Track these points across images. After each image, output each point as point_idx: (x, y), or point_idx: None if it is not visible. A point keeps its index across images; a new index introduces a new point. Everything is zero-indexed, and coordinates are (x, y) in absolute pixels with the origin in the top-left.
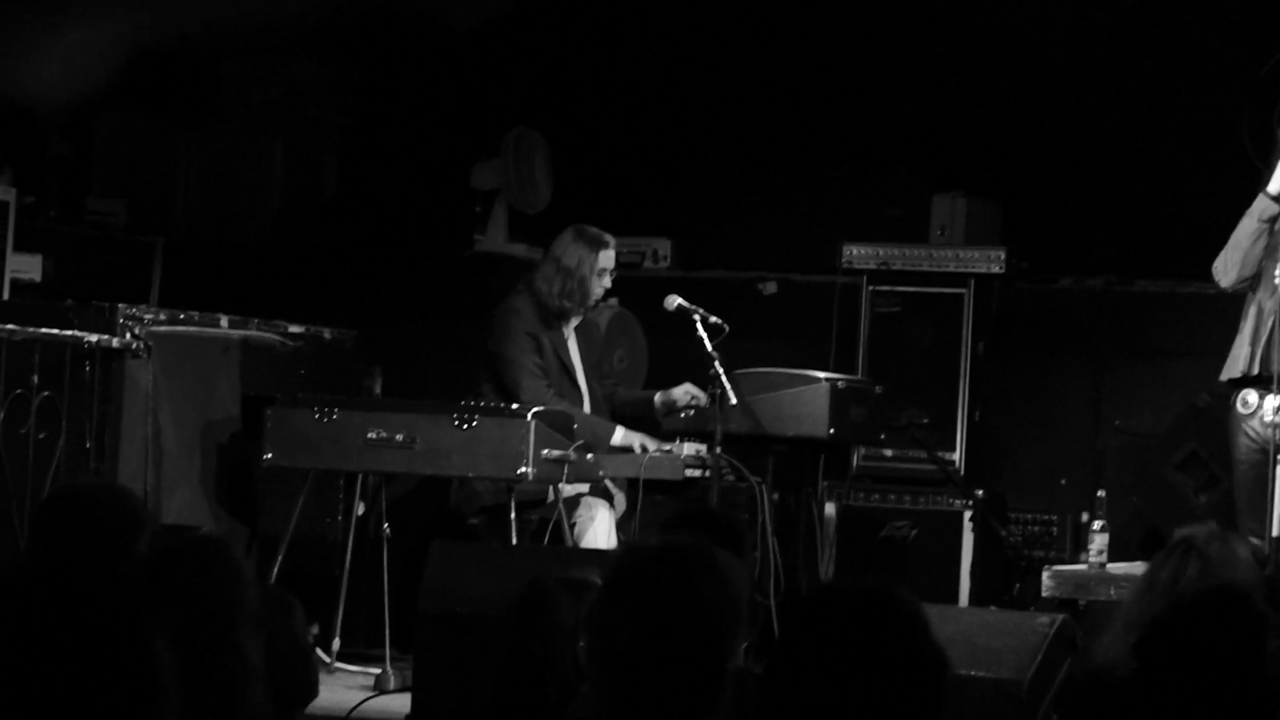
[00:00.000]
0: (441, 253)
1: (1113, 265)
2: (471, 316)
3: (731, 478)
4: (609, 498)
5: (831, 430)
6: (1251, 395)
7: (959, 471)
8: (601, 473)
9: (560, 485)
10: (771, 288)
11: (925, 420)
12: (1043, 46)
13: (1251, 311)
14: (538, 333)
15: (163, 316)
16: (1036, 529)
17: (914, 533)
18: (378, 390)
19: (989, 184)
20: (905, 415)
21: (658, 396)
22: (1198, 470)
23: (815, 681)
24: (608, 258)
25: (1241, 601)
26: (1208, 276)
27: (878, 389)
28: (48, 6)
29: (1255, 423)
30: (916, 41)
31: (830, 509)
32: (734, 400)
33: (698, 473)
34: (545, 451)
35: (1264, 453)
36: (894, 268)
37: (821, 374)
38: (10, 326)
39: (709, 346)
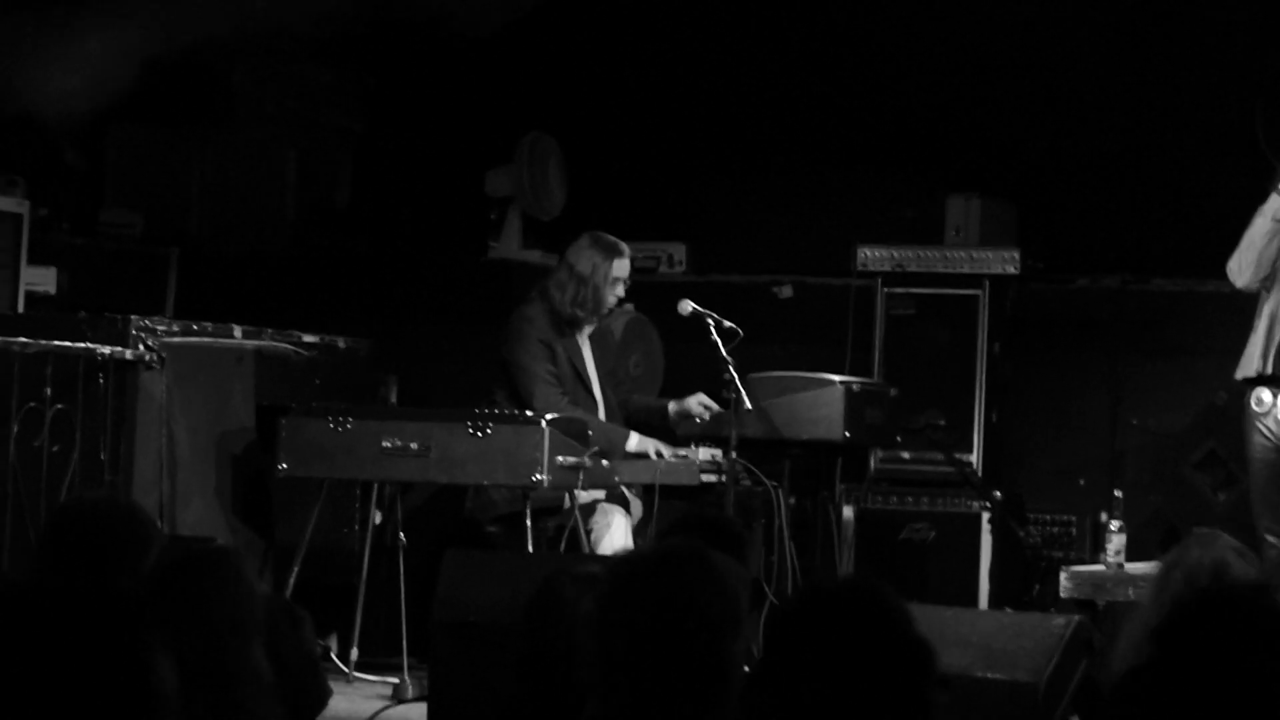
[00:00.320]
0: (456, 259)
1: (1128, 264)
2: (486, 323)
3: (747, 482)
4: (625, 504)
5: (847, 433)
6: (1265, 394)
7: (977, 473)
8: (617, 479)
9: (576, 492)
10: (787, 291)
11: (942, 422)
12: (1055, 46)
13: (1265, 310)
14: (551, 340)
15: (176, 328)
16: (1055, 529)
17: (932, 535)
18: (393, 399)
19: (1003, 184)
20: (922, 417)
21: (671, 406)
22: (1216, 469)
23: (802, 680)
24: (622, 266)
25: (1262, 596)
26: (1224, 274)
27: (893, 391)
28: (59, 18)
29: (1269, 421)
30: (929, 43)
31: (848, 512)
32: (749, 405)
33: (713, 478)
34: (560, 458)
35: (1278, 451)
36: (909, 269)
37: (836, 377)
38: (23, 340)
39: (723, 351)
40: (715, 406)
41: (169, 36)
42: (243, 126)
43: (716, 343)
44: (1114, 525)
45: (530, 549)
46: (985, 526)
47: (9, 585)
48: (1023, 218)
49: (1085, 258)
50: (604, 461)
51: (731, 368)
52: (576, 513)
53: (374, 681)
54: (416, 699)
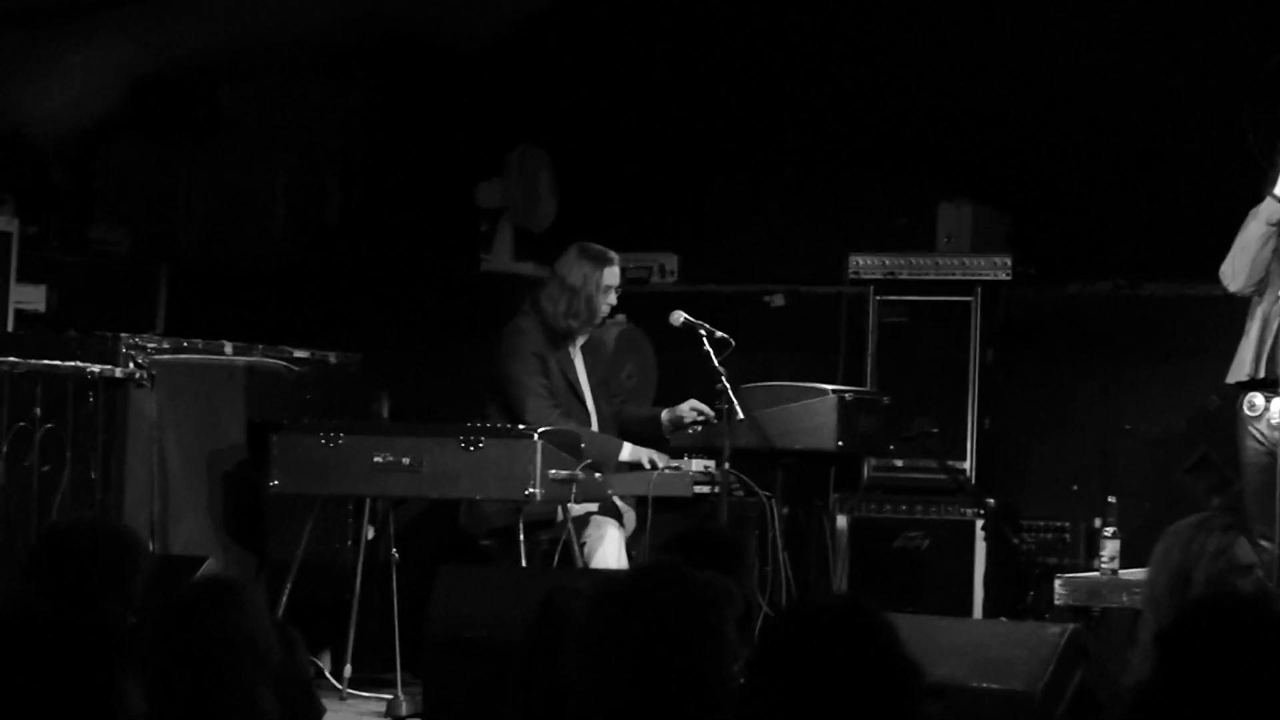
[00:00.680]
0: (447, 273)
1: (1120, 269)
2: (478, 336)
3: (741, 493)
4: (618, 516)
5: (840, 443)
6: (1258, 398)
7: (970, 480)
8: (610, 491)
9: (569, 505)
10: (779, 300)
11: (935, 429)
12: (1046, 53)
13: (1258, 314)
14: (544, 353)
15: (166, 345)
16: (1049, 536)
17: (926, 543)
18: (385, 413)
19: (994, 191)
20: (915, 425)
21: (664, 414)
22: (1209, 473)
23: (789, 698)
24: (613, 274)
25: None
26: (1216, 278)
27: (886, 400)
28: (48, 36)
29: (1262, 425)
30: (919, 50)
31: (842, 521)
32: (741, 415)
33: (707, 489)
34: (553, 472)
35: (1271, 455)
36: (901, 277)
37: (829, 386)
38: (12, 359)
39: (715, 362)
40: (708, 410)
41: (157, 54)
42: (232, 143)
43: (709, 353)
44: (1108, 531)
45: (524, 563)
46: (979, 534)
47: None
48: (1014, 224)
49: (1077, 263)
50: (596, 474)
51: (724, 378)
52: (570, 526)
53: (368, 698)
54: (411, 716)
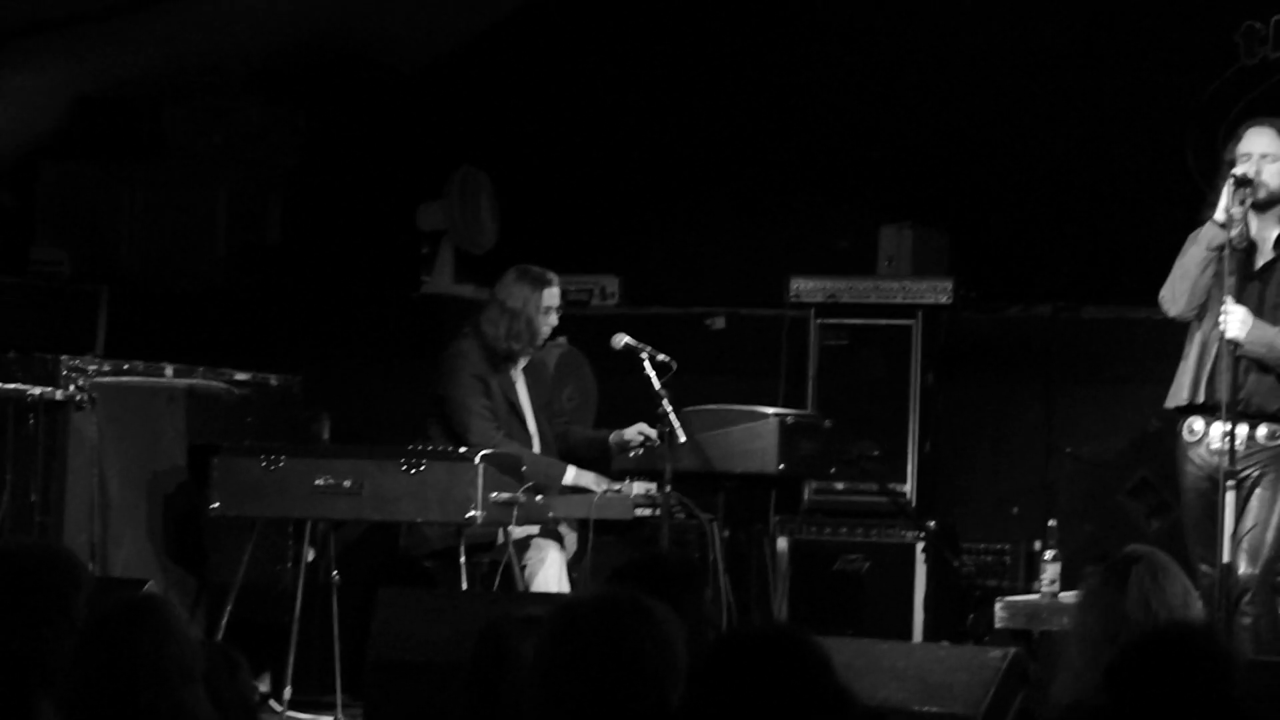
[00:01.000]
0: (388, 295)
1: (1061, 292)
2: (420, 359)
3: (682, 516)
4: (559, 539)
5: (781, 465)
6: (1197, 423)
7: (911, 503)
8: (551, 514)
9: (510, 527)
10: (719, 323)
11: (876, 452)
12: (985, 76)
13: (1196, 338)
14: (485, 375)
15: (107, 367)
16: (989, 559)
17: (867, 566)
18: (326, 435)
19: (935, 214)
20: (856, 448)
21: (611, 437)
22: (1149, 496)
23: None
24: (552, 295)
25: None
26: (1156, 302)
27: (827, 423)
28: None
29: (1201, 450)
30: (861, 75)
31: (782, 544)
32: (683, 438)
33: (648, 512)
34: (494, 494)
35: (1211, 480)
36: (842, 300)
37: (770, 409)
38: None
39: (656, 385)
40: (653, 434)
41: (99, 75)
42: (173, 163)
43: (649, 377)
44: (1048, 554)
45: (464, 585)
46: (919, 557)
47: None
48: (955, 247)
49: (1018, 287)
50: (538, 496)
51: (665, 401)
52: (511, 548)
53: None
54: None
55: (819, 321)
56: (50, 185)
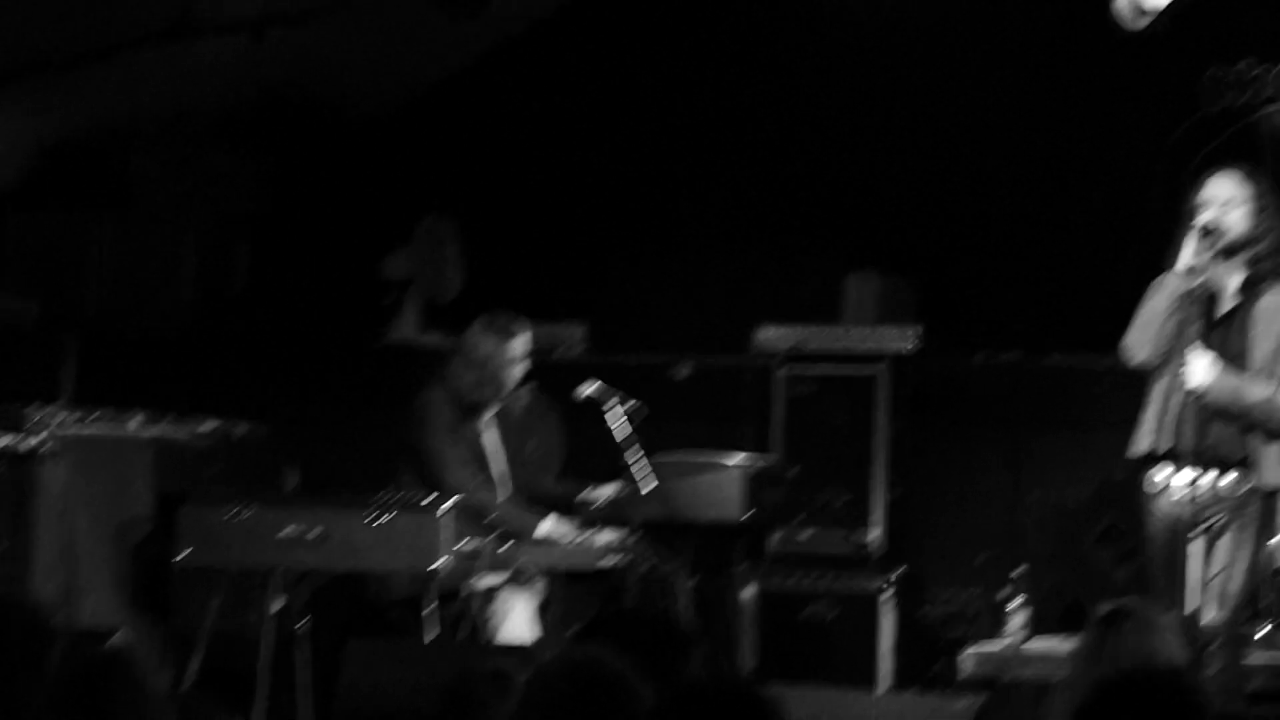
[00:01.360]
0: (354, 343)
1: (1026, 340)
2: (386, 407)
3: (650, 564)
4: (527, 587)
5: (746, 514)
6: (1159, 475)
7: (877, 551)
8: (519, 562)
9: (471, 580)
10: (685, 371)
11: (842, 500)
12: (950, 125)
13: (1159, 387)
14: (454, 425)
15: (74, 417)
16: (956, 607)
17: (833, 614)
18: (293, 485)
19: (900, 262)
20: (822, 496)
21: (580, 498)
22: (1116, 544)
23: None
24: (519, 345)
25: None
26: (1120, 350)
27: (792, 471)
28: None
29: (1164, 500)
30: (825, 124)
31: (748, 592)
32: (649, 487)
33: (615, 560)
34: (460, 544)
35: (1174, 531)
36: (808, 348)
37: (734, 458)
38: None
39: (623, 434)
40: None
41: (65, 122)
42: (139, 211)
43: (616, 426)
44: (1016, 601)
45: (432, 634)
46: (886, 605)
47: None
48: (921, 295)
49: (983, 334)
50: (503, 545)
51: (632, 449)
52: (473, 601)
53: None
54: None
55: (785, 370)
56: (16, 233)
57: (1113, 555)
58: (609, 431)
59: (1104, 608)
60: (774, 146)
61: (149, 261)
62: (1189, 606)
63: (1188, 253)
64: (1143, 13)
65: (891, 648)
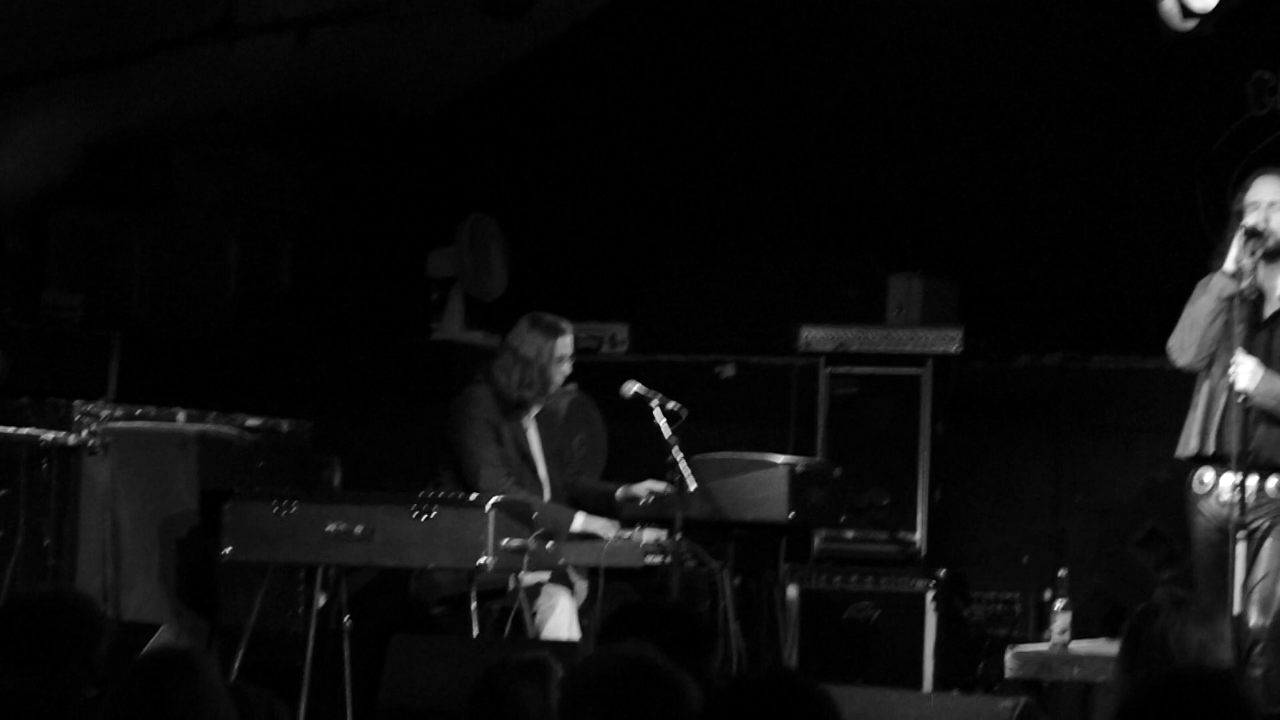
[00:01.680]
0: (399, 342)
1: (1070, 342)
2: (429, 405)
3: (692, 563)
4: (570, 585)
5: (791, 514)
6: (1207, 474)
7: (920, 552)
8: (562, 561)
9: (520, 574)
10: (729, 371)
11: (886, 501)
12: (996, 125)
13: (1205, 389)
14: (497, 423)
15: (119, 412)
16: (999, 608)
17: (877, 614)
18: (336, 481)
19: (945, 263)
20: (866, 497)
21: (619, 492)
22: (1159, 547)
23: None
24: (566, 344)
25: (1221, 682)
26: (1165, 351)
27: (837, 471)
28: (1, 102)
29: (1211, 502)
30: (871, 124)
31: (792, 592)
32: (693, 486)
33: (658, 559)
34: (505, 541)
35: (1221, 532)
36: (851, 349)
37: (779, 458)
38: None
39: (667, 433)
40: (662, 489)
41: (111, 121)
42: (184, 210)
43: (660, 424)
44: (1059, 604)
45: (475, 631)
46: (929, 605)
47: None
48: (964, 296)
49: (1027, 336)
50: (548, 543)
51: (676, 449)
52: (522, 595)
53: None
54: None
55: (829, 370)
56: (62, 231)
57: (1155, 559)
58: (652, 431)
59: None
60: (819, 147)
61: (193, 260)
62: (1235, 609)
63: (1233, 254)
64: (1190, 14)
65: (934, 648)
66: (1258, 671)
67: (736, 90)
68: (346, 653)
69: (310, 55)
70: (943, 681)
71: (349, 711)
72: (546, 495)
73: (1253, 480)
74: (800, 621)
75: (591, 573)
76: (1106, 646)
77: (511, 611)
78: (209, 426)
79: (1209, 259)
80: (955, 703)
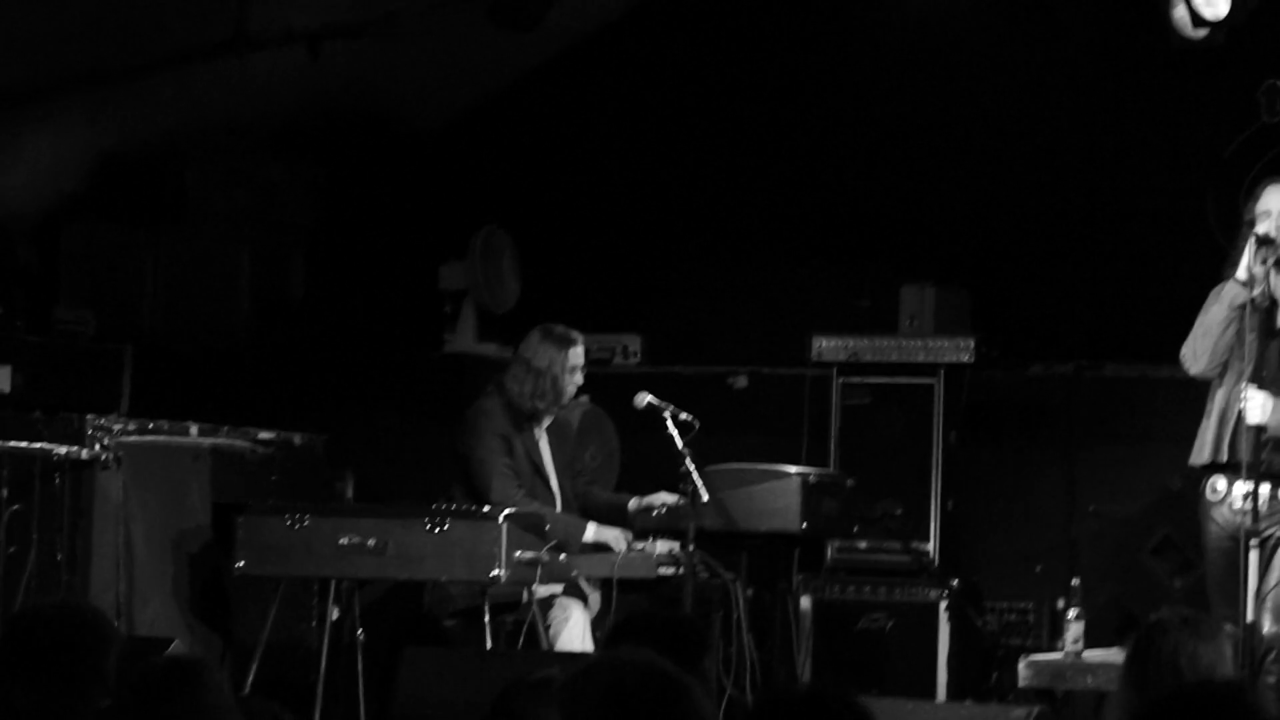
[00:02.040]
0: (411, 354)
1: (1082, 350)
2: (442, 417)
3: (705, 574)
4: (583, 598)
5: (804, 524)
6: (1220, 482)
7: (934, 561)
8: (575, 573)
9: (534, 586)
10: (742, 382)
11: (899, 511)
12: (1007, 135)
13: (1218, 396)
14: (509, 434)
15: (132, 426)
16: (1013, 617)
17: (890, 624)
18: (349, 494)
19: (957, 273)
20: (878, 506)
21: (631, 503)
22: (1172, 555)
23: None
24: (577, 355)
25: (1233, 695)
26: (1178, 359)
27: (850, 481)
28: (12, 116)
29: (1224, 509)
30: (881, 135)
31: (805, 603)
32: (706, 497)
33: (671, 570)
34: (518, 553)
35: (1233, 539)
36: (864, 359)
37: (793, 468)
38: None
39: (679, 444)
40: (675, 501)
41: (122, 134)
42: (196, 223)
43: (672, 435)
44: (1072, 613)
45: (489, 644)
46: (943, 615)
47: None
48: (976, 306)
49: (1039, 345)
50: (561, 555)
51: (688, 460)
52: (535, 607)
53: None
54: None
55: (841, 380)
56: (74, 244)
57: (1169, 567)
58: (664, 442)
59: (1152, 616)
60: (830, 157)
61: (205, 273)
62: (1247, 617)
63: (1245, 262)
64: (1201, 23)
65: (948, 658)
66: (1271, 679)
67: (748, 100)
68: (360, 666)
69: (322, 68)
70: (956, 691)
71: None
72: (558, 507)
73: (1265, 488)
74: (814, 632)
75: (605, 584)
76: (1120, 656)
77: (525, 624)
78: (222, 440)
79: (1221, 267)
80: (969, 712)
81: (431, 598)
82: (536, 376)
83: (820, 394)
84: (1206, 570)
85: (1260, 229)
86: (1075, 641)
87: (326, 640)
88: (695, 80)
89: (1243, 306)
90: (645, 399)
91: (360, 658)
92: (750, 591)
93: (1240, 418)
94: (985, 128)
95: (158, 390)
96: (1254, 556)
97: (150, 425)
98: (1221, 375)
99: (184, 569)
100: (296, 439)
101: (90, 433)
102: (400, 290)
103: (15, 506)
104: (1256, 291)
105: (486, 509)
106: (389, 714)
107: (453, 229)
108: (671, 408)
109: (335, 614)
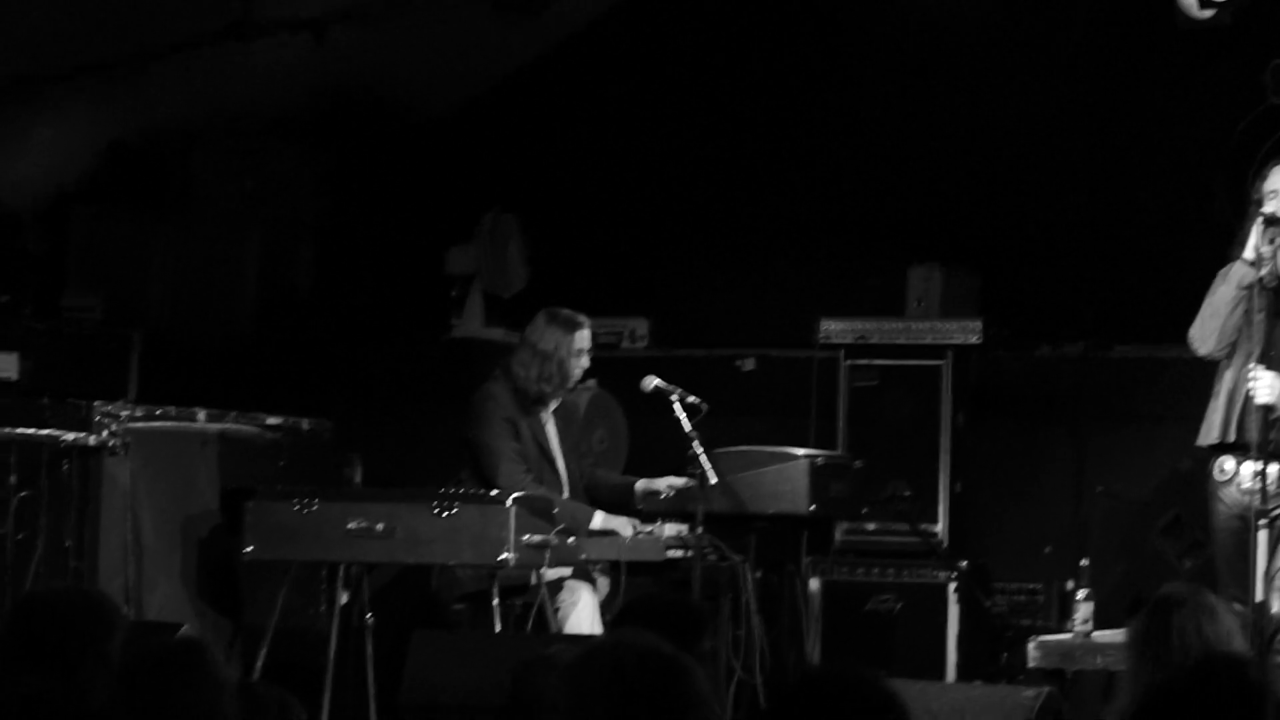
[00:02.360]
0: (418, 339)
1: (1091, 332)
2: (450, 402)
3: (714, 557)
4: (592, 581)
5: (813, 506)
6: (1229, 462)
7: (942, 543)
8: (583, 556)
9: (542, 570)
10: (749, 364)
11: (907, 493)
12: (1014, 117)
13: (1226, 377)
14: (515, 418)
15: (139, 412)
16: (1022, 598)
17: (899, 606)
18: (357, 479)
19: (964, 254)
20: (887, 488)
21: (639, 485)
22: (1182, 535)
23: None
24: (583, 338)
25: (1238, 671)
26: (1186, 340)
27: (858, 463)
28: (20, 103)
29: (1232, 489)
30: (889, 116)
31: (814, 585)
32: (714, 480)
33: (679, 553)
34: (526, 537)
35: (1242, 519)
36: (871, 341)
37: (801, 450)
38: None
39: (687, 427)
40: (682, 484)
41: (129, 122)
42: (203, 209)
43: (680, 418)
44: (1081, 593)
45: (497, 627)
46: (952, 596)
47: None
48: (984, 287)
49: (1047, 326)
50: (569, 539)
51: (696, 443)
52: (544, 591)
53: None
54: None
55: (849, 362)
56: (81, 231)
57: (1178, 547)
58: (672, 425)
59: (1159, 593)
60: (838, 140)
61: (212, 260)
62: (1256, 596)
63: (1253, 242)
64: (1207, 3)
65: (957, 639)
66: (1279, 658)
67: (755, 83)
68: (369, 650)
69: (328, 54)
70: (966, 672)
71: (372, 708)
72: (565, 491)
73: (1274, 468)
74: (822, 614)
75: (613, 568)
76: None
77: (534, 607)
78: (230, 425)
79: (1229, 248)
80: (978, 693)
81: (440, 581)
82: (543, 360)
83: (828, 376)
84: (1215, 551)
85: (1268, 209)
86: (1084, 622)
87: (336, 624)
88: (702, 64)
89: (1250, 286)
90: (653, 382)
91: (369, 642)
92: (759, 574)
93: (1249, 398)
94: (992, 110)
95: (165, 376)
96: (1262, 536)
97: (158, 411)
98: (1230, 355)
99: (192, 554)
100: (305, 424)
101: (98, 419)
102: (407, 275)
103: (23, 493)
104: (1264, 271)
105: (495, 493)
106: (398, 698)
107: (459, 213)
108: (679, 391)
109: (344, 598)
